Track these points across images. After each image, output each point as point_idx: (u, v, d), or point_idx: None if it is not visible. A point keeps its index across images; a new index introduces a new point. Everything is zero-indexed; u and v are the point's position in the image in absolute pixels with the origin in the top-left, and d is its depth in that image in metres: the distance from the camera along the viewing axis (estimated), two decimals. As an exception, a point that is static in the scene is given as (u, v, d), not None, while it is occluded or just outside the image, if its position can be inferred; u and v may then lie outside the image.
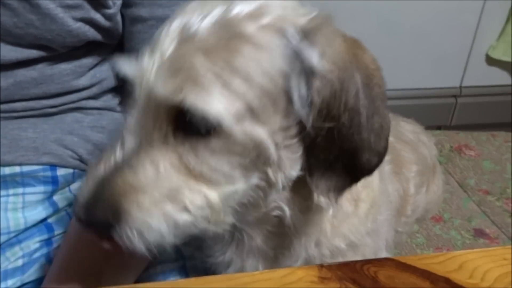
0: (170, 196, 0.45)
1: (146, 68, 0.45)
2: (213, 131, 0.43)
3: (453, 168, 1.51)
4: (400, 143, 0.95)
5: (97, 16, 0.66)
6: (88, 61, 0.72)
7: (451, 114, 1.73)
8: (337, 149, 0.46)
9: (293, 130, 0.47)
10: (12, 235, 0.68)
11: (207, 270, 0.71)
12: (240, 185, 0.47)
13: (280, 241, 0.58)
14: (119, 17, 0.69)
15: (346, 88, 0.44)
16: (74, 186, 0.75)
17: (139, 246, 0.45)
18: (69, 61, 0.70)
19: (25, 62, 0.67)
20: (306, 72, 0.44)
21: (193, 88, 0.42)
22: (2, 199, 0.69)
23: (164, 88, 0.43)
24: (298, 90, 0.44)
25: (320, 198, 0.49)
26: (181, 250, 0.74)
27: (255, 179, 0.48)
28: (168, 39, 0.45)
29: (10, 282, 0.66)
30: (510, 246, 0.42)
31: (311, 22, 0.45)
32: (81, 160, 0.74)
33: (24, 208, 0.70)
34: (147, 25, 0.68)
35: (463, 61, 1.67)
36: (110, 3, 0.66)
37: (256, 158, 0.46)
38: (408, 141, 0.99)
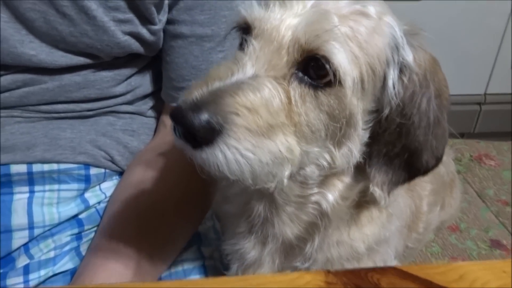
0: (270, 132, 0.47)
1: (282, 14, 0.50)
2: (328, 86, 0.49)
3: (472, 177, 1.49)
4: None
5: (144, 31, 0.71)
6: (127, 70, 0.77)
7: (475, 121, 1.72)
8: (400, 145, 0.53)
9: (371, 117, 0.53)
10: (47, 228, 0.73)
11: (224, 266, 0.74)
12: (315, 149, 0.52)
13: (306, 232, 0.61)
14: (162, 33, 0.74)
15: (423, 92, 0.52)
16: (105, 185, 0.79)
17: (227, 166, 0.45)
18: (110, 70, 0.75)
19: (72, 67, 0.72)
20: (399, 66, 0.51)
21: (330, 41, 0.48)
22: (39, 194, 0.74)
23: (305, 33, 0.48)
24: (392, 78, 0.51)
25: (375, 189, 0.54)
26: (201, 250, 0.78)
27: (325, 151, 0.53)
28: None
29: (42, 272, 0.70)
30: (510, 260, 0.44)
31: (410, 27, 0.53)
32: (112, 161, 0.79)
33: (58, 203, 0.74)
34: (187, 42, 0.73)
35: (488, 68, 1.65)
36: (157, 20, 0.71)
37: (340, 128, 0.51)
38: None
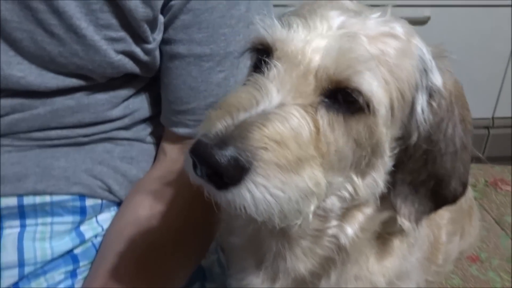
0: (298, 166, 0.43)
1: (306, 35, 0.47)
2: (357, 113, 0.45)
3: (489, 204, 1.45)
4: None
5: (137, 50, 0.68)
6: (123, 92, 0.73)
7: (483, 145, 1.69)
8: (426, 173, 0.50)
9: (396, 144, 0.50)
10: (38, 265, 0.68)
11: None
12: (339, 179, 0.48)
13: (321, 268, 0.57)
14: (157, 53, 0.71)
15: (449, 117, 0.49)
16: (102, 217, 0.75)
17: (255, 207, 0.41)
18: (106, 92, 0.71)
19: (64, 90, 0.69)
20: (428, 91, 0.48)
21: (363, 71, 0.44)
22: (31, 228, 0.70)
23: (335, 61, 0.45)
24: (421, 103, 0.48)
25: (403, 221, 0.51)
26: None
27: (348, 181, 0.50)
28: (333, 14, 0.48)
29: (33, 314, 0.65)
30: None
31: (438, 49, 0.50)
32: (110, 191, 0.74)
33: (51, 238, 0.70)
34: (185, 62, 0.70)
35: (495, 91, 1.63)
36: (151, 38, 0.68)
37: (364, 156, 0.48)
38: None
